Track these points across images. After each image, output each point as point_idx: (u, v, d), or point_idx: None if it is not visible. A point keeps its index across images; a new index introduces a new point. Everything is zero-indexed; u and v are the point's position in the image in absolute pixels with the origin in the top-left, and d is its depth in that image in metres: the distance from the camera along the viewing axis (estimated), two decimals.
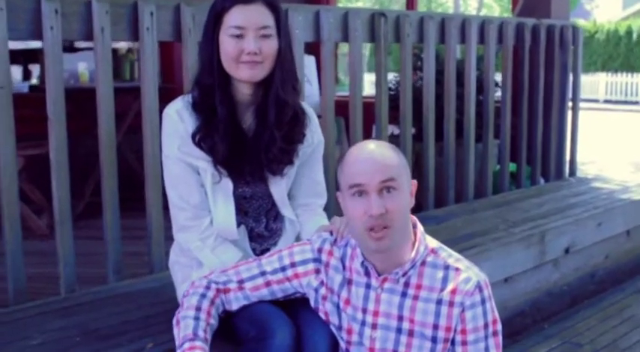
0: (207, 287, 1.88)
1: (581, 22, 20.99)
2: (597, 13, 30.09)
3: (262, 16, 1.98)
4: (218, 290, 1.89)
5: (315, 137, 2.19)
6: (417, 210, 3.79)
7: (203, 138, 2.01)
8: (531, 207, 3.85)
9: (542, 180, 4.58)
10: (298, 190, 2.22)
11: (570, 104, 4.76)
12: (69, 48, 5.72)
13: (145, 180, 2.68)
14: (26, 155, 3.95)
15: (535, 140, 4.47)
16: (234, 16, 1.96)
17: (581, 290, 3.70)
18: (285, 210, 2.17)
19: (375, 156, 1.75)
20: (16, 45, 5.32)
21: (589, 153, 8.54)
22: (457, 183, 3.97)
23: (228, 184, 2.07)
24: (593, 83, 21.44)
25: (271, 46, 2.00)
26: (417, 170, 3.90)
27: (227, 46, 1.97)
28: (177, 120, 2.04)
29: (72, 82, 5.67)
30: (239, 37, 1.96)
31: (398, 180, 1.74)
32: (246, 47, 1.96)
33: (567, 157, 4.80)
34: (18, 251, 2.41)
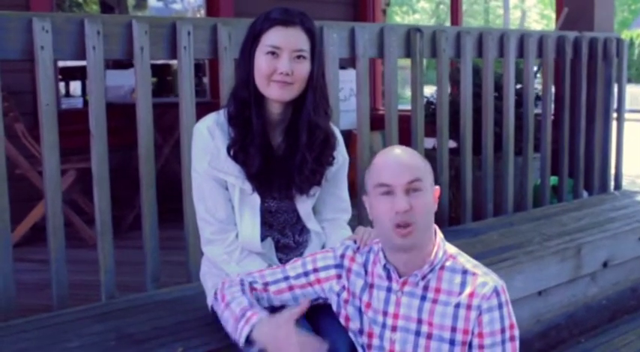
0: (241, 280, 2.01)
1: None
2: None
3: (299, 39, 2.06)
4: (250, 286, 2.00)
5: (339, 156, 2.26)
6: (454, 222, 3.85)
7: (238, 151, 2.10)
8: (570, 220, 3.83)
9: (585, 194, 4.54)
10: (323, 206, 2.30)
11: (615, 116, 4.71)
12: (128, 64, 5.95)
13: (183, 193, 2.79)
14: (79, 168, 4.14)
15: (577, 153, 4.45)
16: (272, 36, 2.04)
17: (621, 304, 3.67)
18: (311, 223, 2.25)
19: (402, 158, 1.85)
20: (75, 61, 5.56)
21: None
22: (496, 197, 3.99)
23: (255, 199, 2.15)
24: None
25: (304, 69, 2.07)
26: (456, 184, 3.94)
27: (261, 63, 2.05)
28: (208, 137, 2.13)
29: (127, 98, 5.88)
30: (274, 55, 2.04)
31: (423, 182, 1.82)
32: (279, 66, 2.04)
33: (612, 170, 4.75)
34: (61, 259, 2.54)
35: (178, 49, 2.72)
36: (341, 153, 2.27)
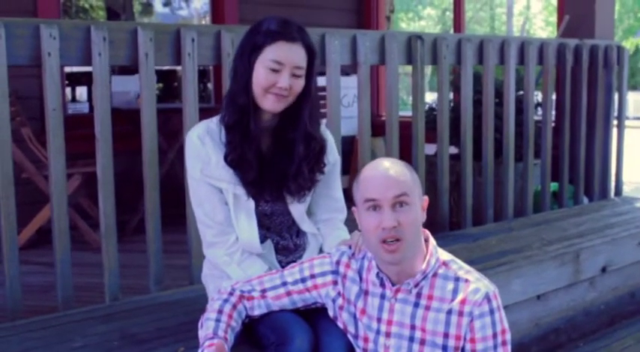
0: (231, 293, 2.03)
1: None
2: None
3: (300, 56, 2.11)
4: (241, 297, 2.03)
5: (331, 157, 2.30)
6: (455, 227, 3.89)
7: (237, 158, 2.14)
8: (570, 226, 3.86)
9: (586, 200, 4.58)
10: (318, 207, 2.34)
11: (616, 123, 4.75)
12: (134, 70, 6.01)
13: (186, 197, 2.84)
14: (84, 172, 4.18)
15: (578, 159, 4.49)
16: (276, 51, 2.08)
17: (620, 309, 3.69)
18: (305, 226, 2.29)
19: (389, 172, 1.87)
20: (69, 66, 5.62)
21: None
22: (496, 202, 4.02)
23: (250, 203, 2.20)
24: None
25: (300, 84, 2.13)
26: (457, 189, 3.98)
27: (261, 76, 2.09)
28: (199, 144, 2.17)
29: (133, 103, 5.94)
30: (275, 70, 2.08)
31: (410, 196, 1.85)
32: (279, 82, 2.08)
33: (613, 177, 4.78)
34: (66, 261, 2.59)
35: (182, 56, 2.78)
36: (332, 155, 2.31)
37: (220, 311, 1.96)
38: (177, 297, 2.72)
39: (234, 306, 2.00)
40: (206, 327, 1.92)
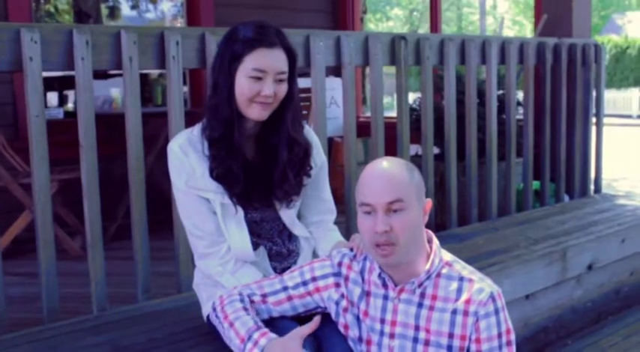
0: (240, 294, 2.00)
1: (613, 38, 20.92)
2: (629, 28, 29.81)
3: (281, 61, 2.06)
4: (250, 299, 2.00)
5: (317, 159, 2.26)
6: (440, 228, 3.87)
7: (223, 173, 2.09)
8: (554, 224, 3.87)
9: (566, 198, 4.60)
10: (308, 210, 2.30)
11: (594, 121, 4.78)
12: (102, 75, 5.92)
13: (172, 202, 2.78)
14: (61, 179, 4.10)
15: (559, 157, 4.51)
16: (257, 59, 2.02)
17: (606, 306, 3.71)
18: (297, 229, 2.25)
19: (385, 176, 1.83)
20: (51, 71, 5.53)
21: (622, 169, 8.48)
22: (480, 202, 4.02)
23: (239, 211, 2.15)
24: (626, 99, 21.18)
25: (284, 89, 2.08)
26: (441, 190, 3.97)
27: (244, 86, 2.03)
28: (182, 156, 2.11)
29: (105, 107, 5.85)
30: (258, 79, 2.03)
31: (405, 201, 1.81)
32: (263, 90, 2.03)
33: (592, 174, 4.81)
34: (52, 271, 2.52)
35: (167, 59, 2.72)
36: (318, 157, 2.28)
37: (246, 309, 1.94)
38: (166, 306, 2.65)
39: (252, 306, 1.98)
40: (242, 323, 1.89)
